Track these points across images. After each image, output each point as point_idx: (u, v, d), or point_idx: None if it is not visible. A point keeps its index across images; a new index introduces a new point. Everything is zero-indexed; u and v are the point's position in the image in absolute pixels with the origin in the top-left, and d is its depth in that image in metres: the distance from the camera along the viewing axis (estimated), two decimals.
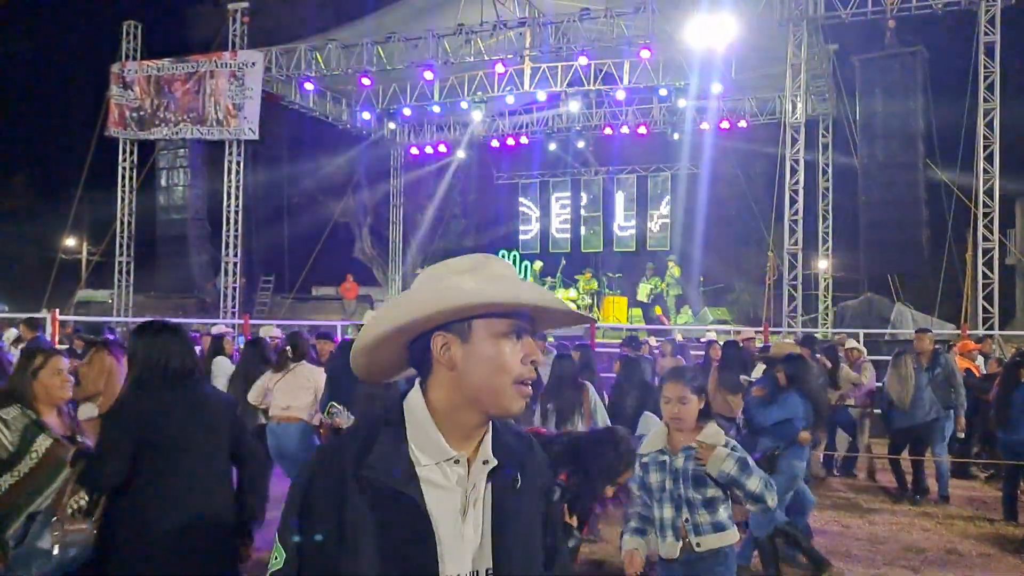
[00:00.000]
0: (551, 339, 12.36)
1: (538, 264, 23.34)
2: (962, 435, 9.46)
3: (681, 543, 3.74)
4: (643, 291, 21.21)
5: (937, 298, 17.41)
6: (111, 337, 9.03)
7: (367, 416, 1.78)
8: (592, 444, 3.53)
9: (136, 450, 3.19)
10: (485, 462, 1.59)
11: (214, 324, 17.00)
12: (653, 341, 13.91)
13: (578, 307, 22.05)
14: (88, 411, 8.23)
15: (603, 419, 6.97)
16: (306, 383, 7.17)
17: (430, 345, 1.58)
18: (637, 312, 22.21)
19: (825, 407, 6.68)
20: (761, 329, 14.69)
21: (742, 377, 8.18)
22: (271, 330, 11.47)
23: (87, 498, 3.36)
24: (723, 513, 3.80)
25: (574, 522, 3.31)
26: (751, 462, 3.77)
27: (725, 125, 22.35)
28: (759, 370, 8.20)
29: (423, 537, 1.51)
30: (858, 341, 11.56)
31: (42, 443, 3.56)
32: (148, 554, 3.14)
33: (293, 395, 7.11)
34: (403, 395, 1.64)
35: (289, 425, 7.03)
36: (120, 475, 3.21)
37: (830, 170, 20.70)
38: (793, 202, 17.10)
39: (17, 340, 10.48)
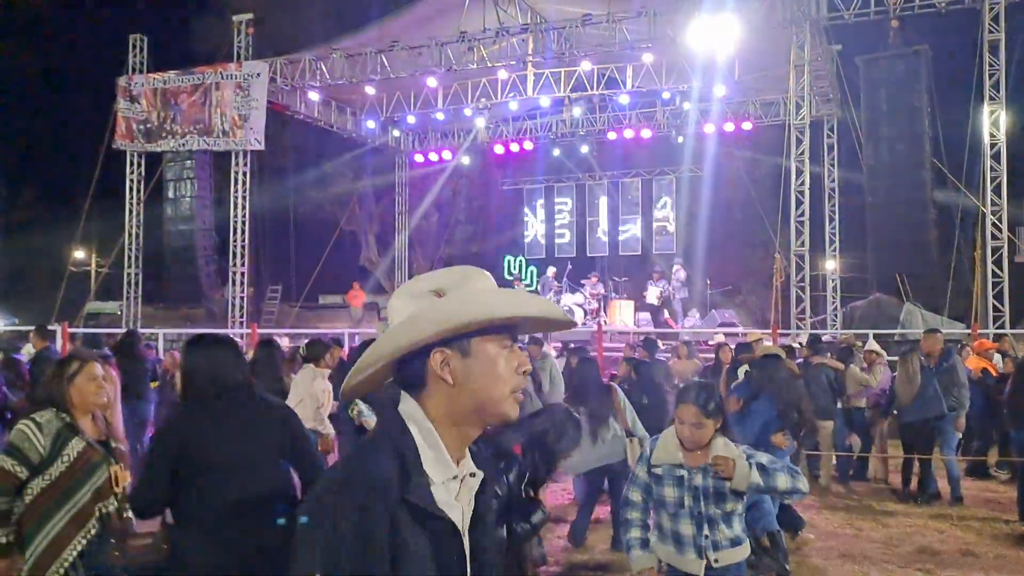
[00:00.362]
0: (546, 345, 12.38)
1: (551, 270, 23.26)
2: (959, 435, 9.34)
3: (705, 560, 3.73)
4: (652, 294, 21.15)
5: (947, 297, 17.36)
6: (108, 353, 9.08)
7: (379, 430, 1.66)
8: (542, 422, 3.54)
9: (183, 470, 3.17)
10: (472, 475, 1.63)
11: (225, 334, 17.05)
12: (659, 344, 13.88)
13: (585, 312, 22.03)
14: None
15: (634, 419, 7.03)
16: (299, 385, 7.29)
17: (425, 361, 1.59)
18: (644, 316, 22.17)
19: (801, 408, 6.57)
20: (770, 332, 14.68)
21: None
22: (282, 341, 11.48)
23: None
24: (738, 527, 3.82)
25: (542, 498, 3.32)
26: (766, 462, 3.76)
27: (729, 127, 22.35)
28: (742, 372, 8.25)
29: (462, 559, 1.55)
30: (868, 342, 11.55)
31: (74, 447, 3.58)
32: (207, 571, 3.11)
33: (297, 398, 7.17)
34: (392, 407, 1.63)
35: None
36: (159, 497, 3.20)
37: (836, 171, 20.70)
38: (799, 203, 17.08)
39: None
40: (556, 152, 25.95)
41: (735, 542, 3.77)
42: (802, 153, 17.07)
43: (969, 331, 14.44)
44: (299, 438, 3.48)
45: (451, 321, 1.56)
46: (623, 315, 21.64)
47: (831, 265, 20.89)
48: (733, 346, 10.53)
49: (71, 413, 3.68)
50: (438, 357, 1.58)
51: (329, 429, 7.28)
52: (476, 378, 1.59)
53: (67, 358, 3.84)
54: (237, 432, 3.26)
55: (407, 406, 1.61)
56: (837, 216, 20.70)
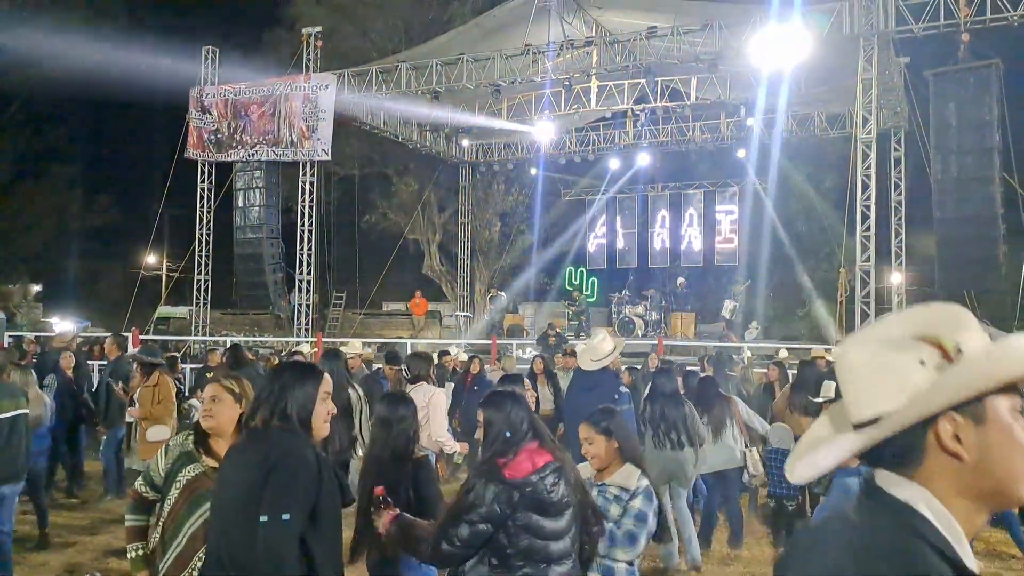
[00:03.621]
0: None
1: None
2: None
3: None
4: (727, 307, 21.00)
5: (1016, 315, 17.02)
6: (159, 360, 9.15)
7: (876, 520, 1.31)
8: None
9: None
10: None
11: (296, 342, 17.46)
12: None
13: (645, 323, 22.00)
14: (159, 433, 8.37)
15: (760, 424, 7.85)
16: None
17: (924, 432, 1.31)
18: (705, 329, 22.11)
19: None
20: (834, 347, 14.53)
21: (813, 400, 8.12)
22: (356, 346, 11.41)
23: None
24: (620, 558, 3.77)
25: None
26: (630, 524, 3.78)
27: (794, 139, 22.16)
28: (829, 388, 8.14)
29: None
30: None
31: (187, 473, 3.43)
32: None
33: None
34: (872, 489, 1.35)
35: None
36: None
37: (903, 184, 20.38)
38: (865, 218, 16.88)
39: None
40: (618, 163, 25.97)
41: (605, 571, 3.75)
42: (868, 167, 16.88)
43: None
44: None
45: (980, 384, 1.28)
46: (684, 327, 21.60)
47: (897, 279, 20.57)
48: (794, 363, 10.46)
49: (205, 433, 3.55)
50: (947, 427, 1.29)
51: (453, 445, 7.04)
52: (995, 450, 1.28)
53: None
54: None
55: (908, 490, 1.31)
56: (904, 230, 20.38)
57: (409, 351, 16.57)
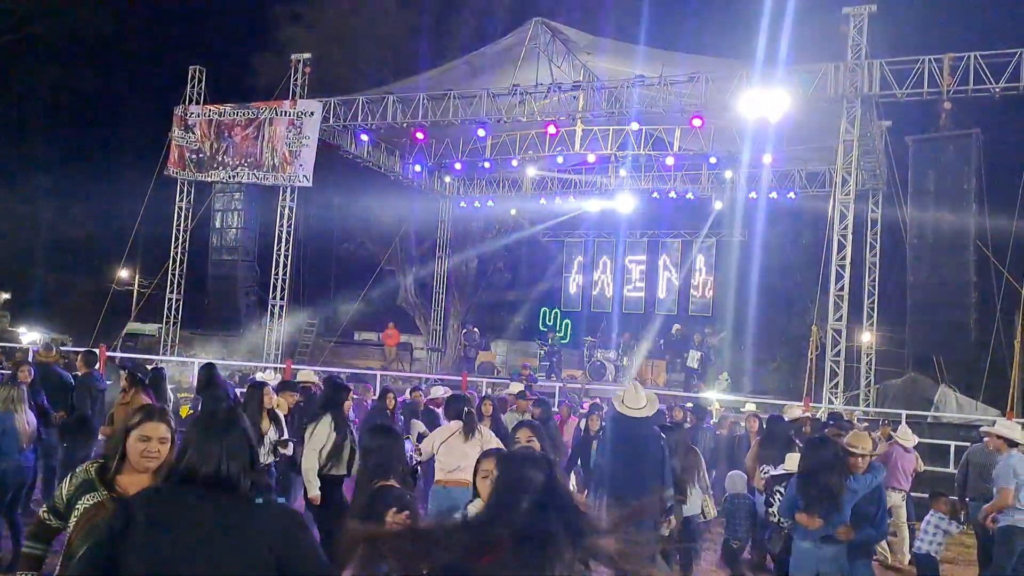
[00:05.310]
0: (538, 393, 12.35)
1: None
2: None
3: None
4: (692, 358, 21.04)
5: (983, 381, 17.14)
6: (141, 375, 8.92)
7: None
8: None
9: None
10: None
11: (258, 367, 17.23)
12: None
13: (616, 368, 21.99)
14: None
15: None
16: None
17: None
18: (676, 377, 22.10)
19: (827, 488, 6.27)
20: (801, 404, 14.56)
21: (772, 470, 8.11)
22: (309, 375, 11.35)
23: None
24: None
25: None
26: None
27: (774, 195, 22.37)
28: (792, 461, 8.07)
29: None
30: (900, 422, 11.42)
31: (85, 501, 3.33)
32: None
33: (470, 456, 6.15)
34: None
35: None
36: None
37: (878, 245, 20.56)
38: (839, 277, 16.98)
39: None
40: (598, 207, 26.08)
41: None
42: (845, 227, 17.02)
43: (1004, 417, 14.21)
44: None
45: None
46: (655, 375, 21.59)
47: (867, 338, 20.68)
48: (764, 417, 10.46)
49: (114, 465, 3.39)
50: None
51: None
52: None
53: (136, 410, 3.55)
54: None
55: None
56: (877, 290, 20.55)
57: (379, 383, 16.51)
